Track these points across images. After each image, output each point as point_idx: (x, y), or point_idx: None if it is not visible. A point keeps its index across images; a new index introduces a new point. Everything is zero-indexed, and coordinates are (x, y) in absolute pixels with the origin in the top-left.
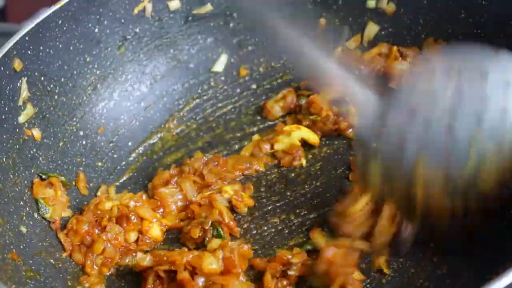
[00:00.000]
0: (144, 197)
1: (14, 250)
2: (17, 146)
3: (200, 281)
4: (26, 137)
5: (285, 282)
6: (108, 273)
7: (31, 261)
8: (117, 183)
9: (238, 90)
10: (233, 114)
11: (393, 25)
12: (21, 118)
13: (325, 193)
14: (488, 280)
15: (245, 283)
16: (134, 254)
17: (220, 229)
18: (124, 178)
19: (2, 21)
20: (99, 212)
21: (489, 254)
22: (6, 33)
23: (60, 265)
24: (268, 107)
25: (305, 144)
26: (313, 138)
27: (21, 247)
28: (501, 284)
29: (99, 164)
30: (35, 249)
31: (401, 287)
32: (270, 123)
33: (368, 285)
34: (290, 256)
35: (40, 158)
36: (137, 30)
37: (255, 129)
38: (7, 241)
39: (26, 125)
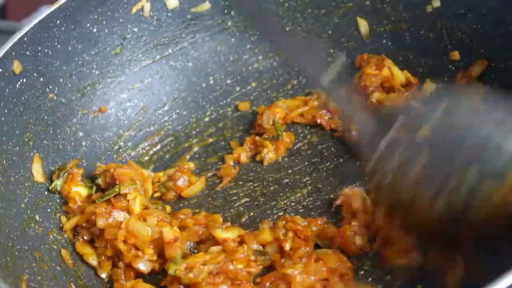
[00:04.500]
0: None
1: (16, 253)
2: (17, 148)
3: None
4: (25, 139)
5: None
6: None
7: (34, 264)
8: None
9: (238, 88)
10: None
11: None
12: (20, 120)
13: None
14: (488, 281)
15: None
16: None
17: None
18: None
19: (1, 19)
20: None
21: None
22: (6, 31)
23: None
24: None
25: None
26: None
27: (25, 247)
28: (501, 285)
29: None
30: (35, 249)
31: None
32: None
33: None
34: None
35: (40, 159)
36: (136, 30)
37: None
38: (9, 244)
39: (26, 127)
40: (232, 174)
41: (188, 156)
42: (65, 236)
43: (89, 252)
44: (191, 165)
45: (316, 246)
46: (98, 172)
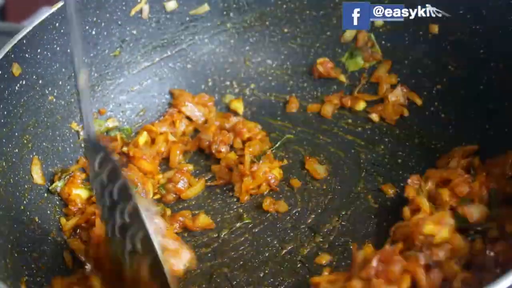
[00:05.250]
0: None
1: (16, 255)
2: (16, 150)
3: None
4: (25, 141)
5: None
6: None
7: (33, 265)
8: None
9: (237, 90)
10: None
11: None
12: (20, 122)
13: None
14: (488, 283)
15: None
16: None
17: None
18: None
19: (1, 20)
20: None
21: None
22: (5, 32)
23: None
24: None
25: None
26: None
27: (24, 249)
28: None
29: None
30: (35, 250)
31: None
32: None
33: None
34: None
35: (40, 161)
36: (134, 32)
37: None
38: (9, 246)
39: (25, 129)
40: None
41: (187, 159)
42: (65, 237)
43: (81, 248)
44: (190, 167)
45: None
46: None
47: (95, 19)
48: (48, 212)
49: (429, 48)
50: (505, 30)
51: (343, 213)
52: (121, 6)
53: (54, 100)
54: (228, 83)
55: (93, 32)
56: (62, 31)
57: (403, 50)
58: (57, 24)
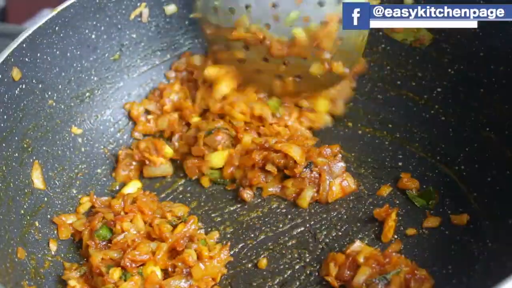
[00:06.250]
0: None
1: (16, 259)
2: (16, 154)
3: None
4: (25, 145)
5: None
6: None
7: (33, 270)
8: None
9: None
10: None
11: None
12: (20, 126)
13: None
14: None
15: None
16: None
17: None
18: None
19: (2, 22)
20: None
21: None
22: (6, 34)
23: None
24: None
25: None
26: None
27: (24, 253)
28: None
29: (98, 171)
30: (35, 254)
31: None
32: None
33: None
34: None
35: (40, 166)
36: (134, 36)
37: None
38: (9, 251)
39: (25, 133)
40: None
41: None
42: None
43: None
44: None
45: None
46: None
47: (94, 23)
48: (48, 216)
49: (429, 51)
50: (505, 31)
51: (343, 212)
52: (121, 10)
53: (54, 104)
54: None
55: (93, 36)
56: (61, 35)
57: (403, 53)
58: (56, 28)
